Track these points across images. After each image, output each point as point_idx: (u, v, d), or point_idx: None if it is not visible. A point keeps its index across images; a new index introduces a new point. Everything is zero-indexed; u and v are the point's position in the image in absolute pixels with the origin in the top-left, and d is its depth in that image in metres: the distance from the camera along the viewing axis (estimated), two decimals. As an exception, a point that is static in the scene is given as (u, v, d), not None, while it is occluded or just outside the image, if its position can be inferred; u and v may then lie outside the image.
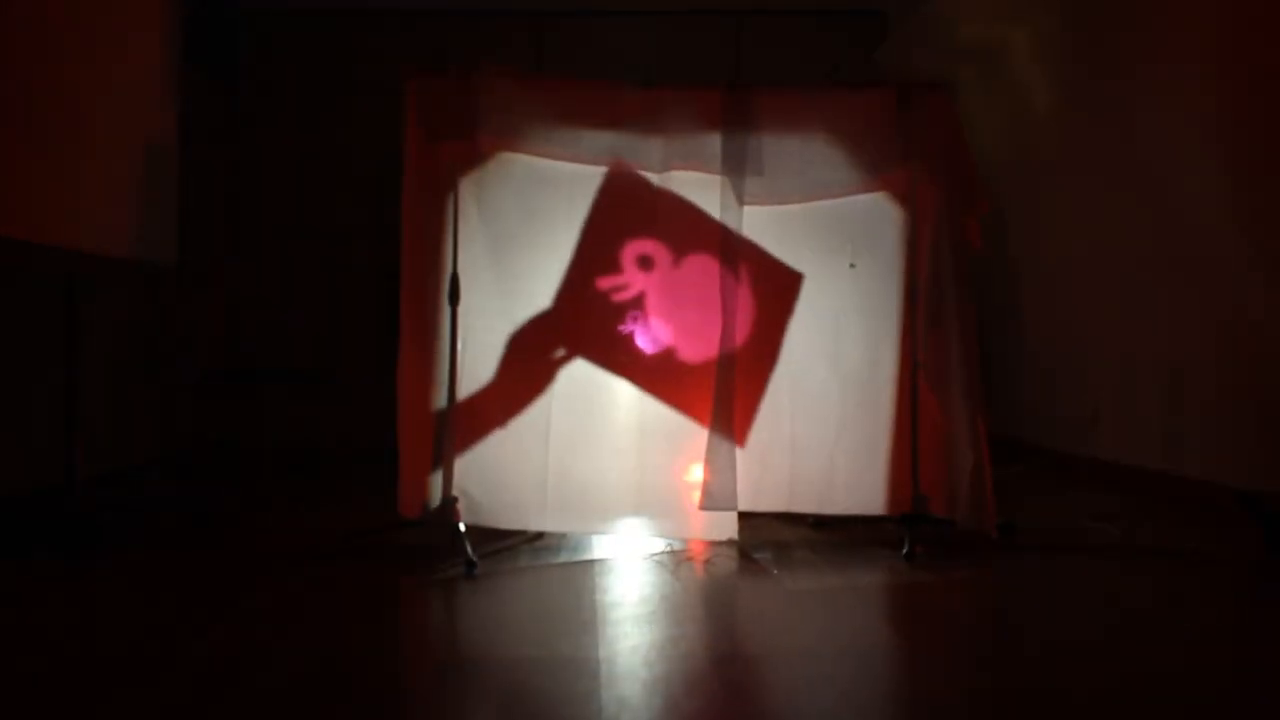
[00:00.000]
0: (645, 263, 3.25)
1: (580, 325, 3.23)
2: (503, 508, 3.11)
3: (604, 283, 3.24)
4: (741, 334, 3.23)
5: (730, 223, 3.17)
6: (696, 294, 3.23)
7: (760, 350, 3.27)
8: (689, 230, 3.25)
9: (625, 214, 3.24)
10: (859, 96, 3.30)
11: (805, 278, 3.30)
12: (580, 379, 3.18)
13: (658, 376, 3.23)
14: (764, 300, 3.28)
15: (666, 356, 3.25)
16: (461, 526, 2.98)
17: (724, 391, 3.10)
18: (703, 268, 3.23)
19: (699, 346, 3.23)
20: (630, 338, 3.23)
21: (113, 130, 3.45)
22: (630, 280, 3.26)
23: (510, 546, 3.12)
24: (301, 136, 5.96)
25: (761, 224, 3.24)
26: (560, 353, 3.22)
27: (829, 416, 3.25)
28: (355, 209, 5.82)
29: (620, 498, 3.17)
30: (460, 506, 3.02)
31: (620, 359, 3.22)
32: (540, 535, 3.24)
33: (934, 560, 2.94)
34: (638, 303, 3.25)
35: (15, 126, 2.85)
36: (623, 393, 3.20)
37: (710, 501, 3.08)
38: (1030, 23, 5.10)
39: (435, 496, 3.06)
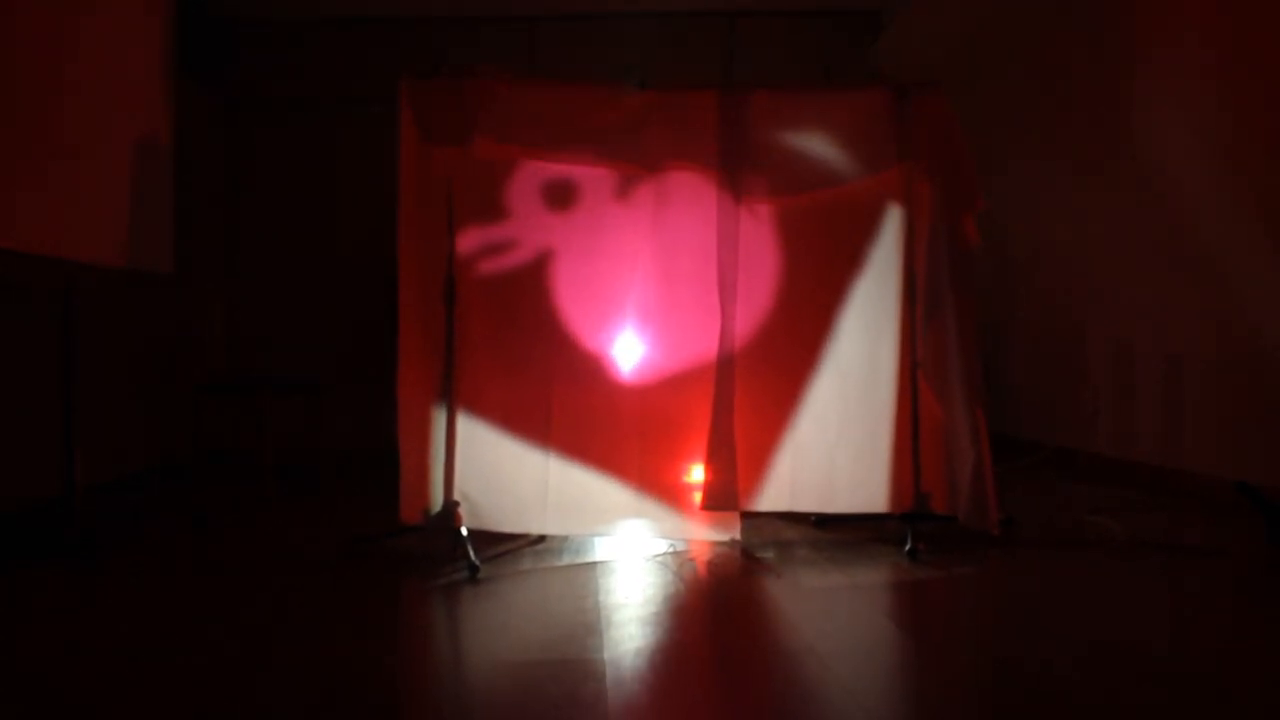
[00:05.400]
0: (558, 197, 2.73)
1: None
2: (504, 511, 3.11)
3: (467, 242, 2.72)
4: (752, 318, 3.14)
5: (727, 223, 3.16)
6: (678, 239, 3.05)
7: (788, 335, 3.21)
8: (664, 137, 2.89)
9: (504, 112, 2.63)
10: (855, 95, 3.31)
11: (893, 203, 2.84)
12: (579, 379, 3.17)
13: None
14: (798, 244, 3.17)
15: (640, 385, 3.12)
16: (463, 530, 2.98)
17: (724, 386, 3.09)
18: (686, 193, 3.02)
19: (688, 340, 3.17)
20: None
21: (108, 141, 3.45)
22: (519, 233, 2.73)
23: (513, 550, 3.12)
24: (296, 145, 5.96)
25: (758, 221, 3.25)
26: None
27: (829, 415, 3.25)
28: (352, 216, 5.82)
29: (621, 499, 3.17)
30: (462, 511, 3.02)
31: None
32: (542, 538, 3.24)
33: (937, 557, 2.94)
34: (539, 269, 2.88)
35: (10, 139, 2.85)
36: (623, 393, 3.19)
37: (712, 502, 3.08)
38: (1024, 19, 5.11)
39: (437, 501, 3.06)
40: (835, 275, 3.27)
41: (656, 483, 3.17)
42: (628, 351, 3.21)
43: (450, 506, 3.02)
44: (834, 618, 2.43)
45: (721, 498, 3.07)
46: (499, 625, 2.41)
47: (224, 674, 2.02)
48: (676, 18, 6.04)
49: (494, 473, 3.10)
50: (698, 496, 3.11)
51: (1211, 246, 3.74)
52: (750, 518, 3.21)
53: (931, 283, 3.19)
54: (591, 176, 3.19)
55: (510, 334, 3.14)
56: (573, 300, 3.17)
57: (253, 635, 2.30)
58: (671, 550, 3.10)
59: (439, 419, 3.07)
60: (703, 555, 3.04)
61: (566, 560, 3.01)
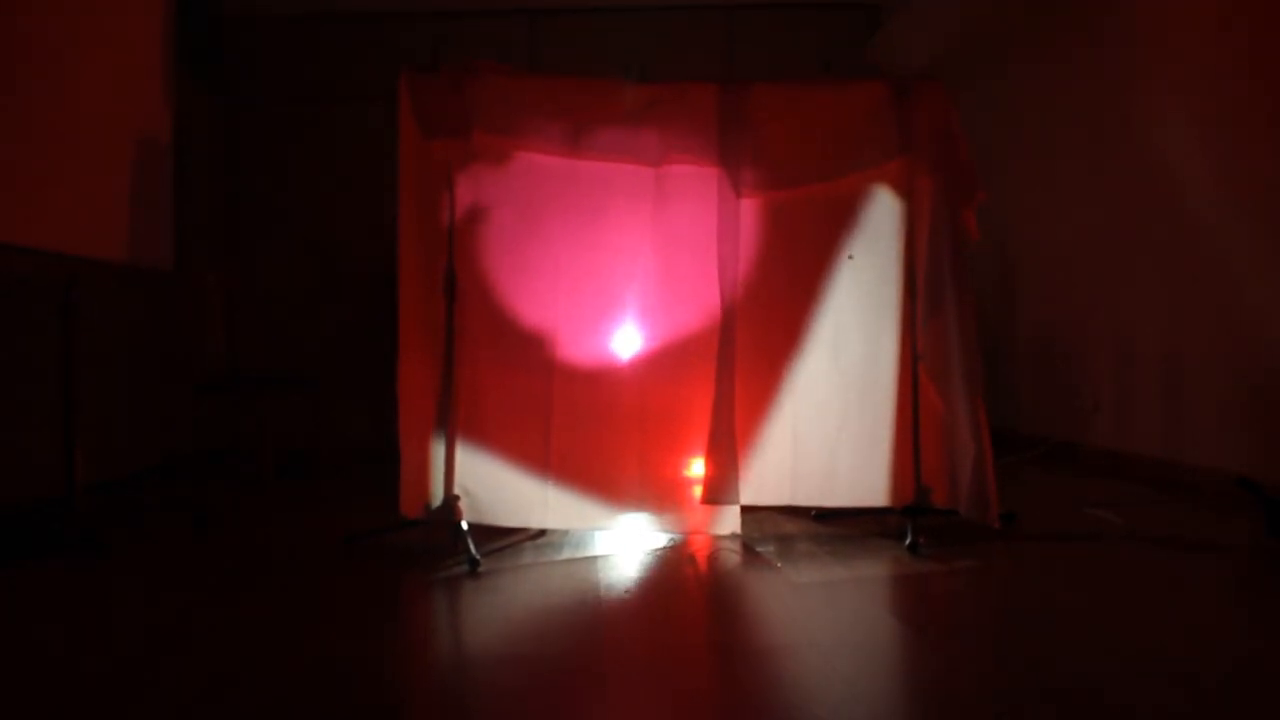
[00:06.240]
0: (557, 190, 3.00)
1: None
2: (505, 505, 3.10)
3: (467, 235, 2.98)
4: (753, 312, 3.12)
5: (728, 217, 3.16)
6: (678, 232, 3.16)
7: (789, 328, 3.23)
8: (664, 131, 3.07)
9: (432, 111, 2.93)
10: (855, 89, 3.30)
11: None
12: (579, 373, 3.17)
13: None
14: (799, 238, 3.21)
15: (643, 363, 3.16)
16: (464, 525, 2.97)
17: (724, 380, 3.09)
18: (687, 186, 3.17)
19: (689, 333, 3.18)
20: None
21: (108, 136, 3.45)
22: (519, 227, 3.03)
23: (513, 544, 3.12)
24: (297, 140, 5.97)
25: (758, 215, 3.24)
26: None
27: (830, 408, 3.25)
28: (352, 211, 5.83)
29: (622, 493, 3.16)
30: (462, 505, 3.02)
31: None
32: (543, 532, 3.23)
33: (937, 551, 2.94)
34: (538, 262, 3.07)
35: (10, 133, 2.84)
36: (624, 387, 3.19)
37: (712, 496, 3.08)
38: (1024, 12, 5.10)
39: (437, 495, 3.06)
40: (836, 268, 3.27)
41: (657, 477, 3.17)
42: (628, 345, 3.20)
43: (451, 500, 3.01)
44: (835, 612, 2.43)
45: (722, 491, 3.07)
46: (499, 619, 2.41)
47: (225, 671, 2.02)
48: (676, 11, 6.05)
49: (495, 467, 3.10)
50: (698, 490, 3.10)
51: (1213, 238, 3.74)
52: (750, 511, 3.21)
53: (932, 276, 3.19)
54: (591, 170, 3.18)
55: (510, 328, 3.13)
56: (573, 293, 3.17)
57: (253, 631, 2.29)
58: (672, 544, 3.09)
59: (439, 413, 3.07)
60: (703, 549, 3.03)
61: (567, 554, 3.01)
